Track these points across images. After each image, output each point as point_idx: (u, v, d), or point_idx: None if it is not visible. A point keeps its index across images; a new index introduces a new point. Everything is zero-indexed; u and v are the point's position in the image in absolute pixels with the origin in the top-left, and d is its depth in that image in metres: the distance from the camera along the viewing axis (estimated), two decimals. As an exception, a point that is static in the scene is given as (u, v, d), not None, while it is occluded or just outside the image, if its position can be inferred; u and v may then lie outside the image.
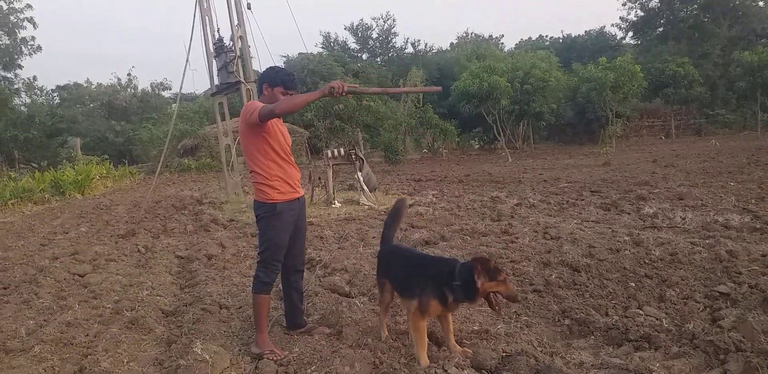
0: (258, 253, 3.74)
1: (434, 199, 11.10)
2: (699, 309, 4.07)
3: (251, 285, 3.76)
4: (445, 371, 3.07)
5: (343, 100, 21.39)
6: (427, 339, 3.33)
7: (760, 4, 38.45)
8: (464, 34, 51.65)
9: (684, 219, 7.29)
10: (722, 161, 15.52)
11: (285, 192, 3.59)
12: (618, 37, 47.31)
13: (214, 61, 12.47)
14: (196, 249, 7.15)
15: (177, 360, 3.50)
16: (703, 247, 5.52)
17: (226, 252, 6.88)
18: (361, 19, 46.46)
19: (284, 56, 41.00)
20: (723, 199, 8.71)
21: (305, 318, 4.04)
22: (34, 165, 27.97)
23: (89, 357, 3.62)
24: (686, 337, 3.57)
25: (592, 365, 3.30)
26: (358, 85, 3.37)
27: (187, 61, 12.08)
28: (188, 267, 6.31)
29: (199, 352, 3.46)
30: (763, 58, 28.94)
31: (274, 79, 3.61)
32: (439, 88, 4.21)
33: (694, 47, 36.44)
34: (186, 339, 3.87)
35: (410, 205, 10.20)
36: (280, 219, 3.56)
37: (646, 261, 5.13)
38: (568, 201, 9.56)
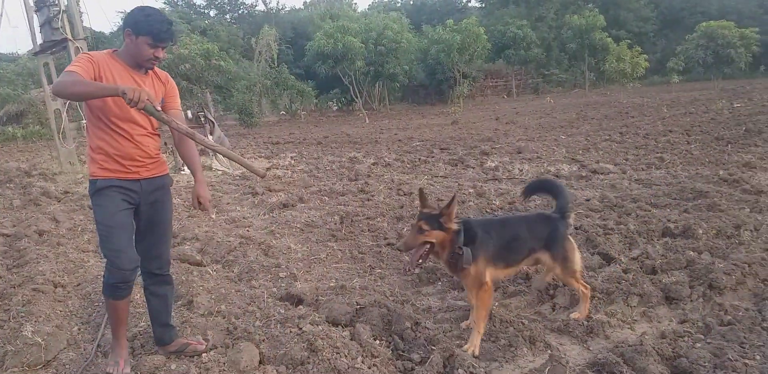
0: (99, 246, 3.00)
1: (293, 162, 10.98)
2: (533, 251, 4.47)
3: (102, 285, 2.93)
4: (300, 329, 3.09)
5: (191, 59, 20.12)
6: None
7: (587, -29, 41.96)
8: (318, -7, 50.54)
9: (521, 171, 7.93)
10: (556, 117, 17.01)
11: (111, 170, 2.72)
12: (464, 0, 49.24)
13: (35, 15, 10.98)
14: (25, 225, 6.41)
15: (4, 347, 3.15)
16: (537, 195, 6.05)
17: (61, 226, 6.26)
18: (207, -27, 43.53)
19: (120, 12, 37.45)
20: (555, 151, 9.59)
21: (173, 332, 3.08)
22: None
23: None
24: (521, 277, 3.92)
25: (439, 308, 3.52)
26: (160, 110, 2.54)
27: (2, 14, 10.54)
28: (15, 246, 5.64)
29: (30, 335, 3.16)
30: (590, 22, 31.79)
31: (141, 25, 2.64)
32: (264, 173, 3.03)
33: (532, 11, 39.04)
34: (14, 323, 3.48)
35: (268, 168, 9.99)
36: (106, 195, 2.71)
37: (488, 210, 5.52)
38: (420, 159, 9.95)
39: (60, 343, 3.16)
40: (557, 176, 7.33)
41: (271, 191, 7.66)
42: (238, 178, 9.17)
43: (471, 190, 6.45)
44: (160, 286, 3.01)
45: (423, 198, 3.12)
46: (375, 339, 3.06)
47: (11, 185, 9.89)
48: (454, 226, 2.94)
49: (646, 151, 9.02)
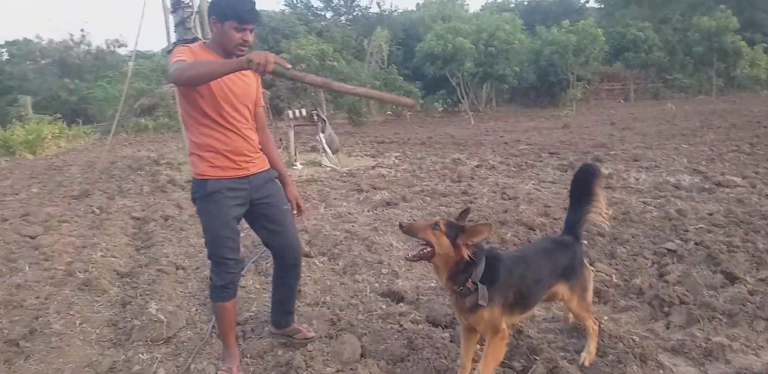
0: (205, 246, 2.86)
1: (397, 161, 11.11)
2: (647, 265, 4.23)
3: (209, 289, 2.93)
4: (401, 326, 3.13)
5: (306, 59, 20.92)
6: None
7: (721, -31, 38.80)
8: (430, -5, 50.69)
9: (637, 179, 7.50)
10: (677, 124, 15.91)
11: (221, 167, 2.64)
12: (582, 1, 47.30)
13: (171, 16, 11.93)
14: (153, 210, 7.01)
15: (131, 321, 3.47)
16: (654, 207, 5.71)
17: (184, 213, 6.77)
18: (325, -24, 45.02)
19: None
20: (675, 161, 8.97)
21: (291, 319, 3.13)
22: (-19, 124, 26.77)
23: (40, 319, 3.54)
24: (634, 291, 3.72)
25: (544, 318, 3.42)
26: (290, 66, 2.30)
27: (142, 16, 11.55)
28: (144, 229, 6.19)
29: (154, 312, 3.44)
30: (721, 24, 29.41)
31: (223, 9, 2.56)
32: (412, 102, 2.90)
33: (655, 12, 36.72)
34: (141, 300, 3.83)
35: (373, 167, 10.19)
36: (214, 201, 2.63)
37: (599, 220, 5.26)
38: (526, 163, 9.70)
39: (180, 322, 3.42)
40: (677, 187, 6.86)
41: (375, 189, 7.80)
42: (345, 174, 9.42)
43: (581, 198, 6.21)
44: (289, 277, 3.02)
45: (464, 215, 2.63)
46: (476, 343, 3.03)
47: (142, 172, 10.83)
48: (465, 254, 2.40)
49: (780, 164, 8.22)
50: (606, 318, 3.31)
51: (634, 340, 2.94)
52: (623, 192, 6.80)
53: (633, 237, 4.78)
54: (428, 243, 2.41)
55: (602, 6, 42.19)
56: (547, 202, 6.07)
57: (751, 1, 37.27)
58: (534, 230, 5.10)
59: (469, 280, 2.43)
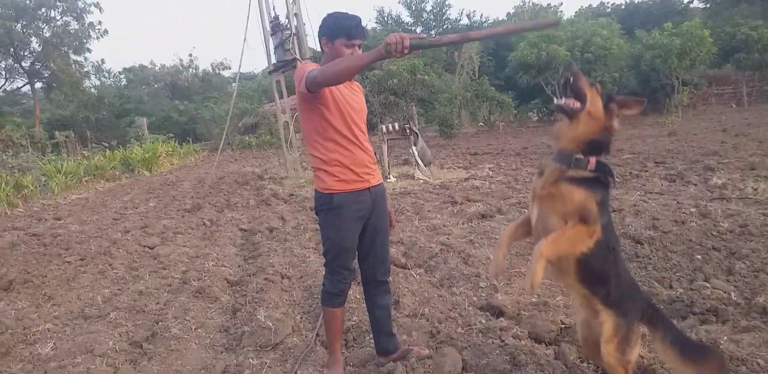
0: (322, 255, 2.98)
1: (490, 173, 10.97)
2: (771, 282, 3.90)
3: (320, 293, 3.03)
4: (502, 341, 3.09)
5: (397, 74, 21.23)
6: None
7: None
8: (521, 3, 49.88)
9: (755, 189, 6.93)
10: (800, 129, 14.56)
11: (347, 181, 2.74)
12: (685, 1, 44.62)
13: (270, 39, 12.60)
14: (259, 222, 7.39)
15: (242, 327, 3.67)
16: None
17: (287, 225, 7.08)
18: (415, -8, 45.73)
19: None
20: (800, 169, 8.21)
21: (396, 341, 3.12)
22: (105, 144, 29.35)
23: (160, 323, 3.83)
24: (756, 311, 3.44)
25: (653, 337, 3.23)
26: (425, 36, 2.26)
27: (244, 39, 12.28)
28: (251, 240, 6.53)
29: (263, 319, 3.62)
30: None
31: (332, 28, 2.68)
32: (556, 21, 2.74)
33: (770, 8, 33.92)
34: (250, 307, 4.04)
35: (466, 179, 10.13)
36: (340, 214, 2.75)
37: (714, 234, 4.93)
38: (631, 173, 9.24)
39: (286, 329, 3.57)
40: (802, 198, 6.28)
41: (469, 201, 7.75)
42: (438, 186, 9.44)
43: (693, 210, 5.82)
44: (382, 296, 3.05)
45: None
46: (582, 362, 2.93)
47: (248, 187, 11.44)
48: (613, 123, 2.42)
49: None
50: (725, 338, 3.09)
51: (758, 364, 2.73)
52: (740, 203, 6.31)
53: (753, 252, 4.42)
54: (581, 97, 2.26)
55: (708, 5, 39.58)
56: (654, 215, 5.75)
57: None
58: (642, 244, 4.85)
59: (592, 157, 2.30)
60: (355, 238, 2.84)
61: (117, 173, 16.81)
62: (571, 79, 2.26)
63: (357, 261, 2.98)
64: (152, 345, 3.51)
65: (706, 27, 26.95)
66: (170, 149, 22.32)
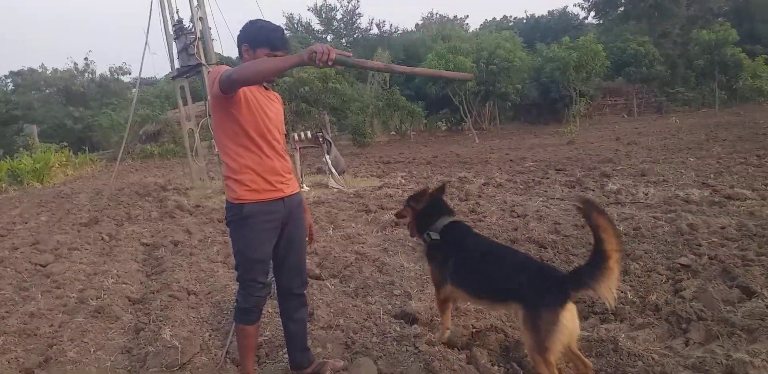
0: (234, 269, 2.89)
1: (403, 181, 11.12)
2: (662, 281, 4.18)
3: (233, 310, 2.92)
4: (417, 348, 3.10)
5: (309, 82, 21.12)
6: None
7: (717, -17, 39.27)
8: (429, 15, 51.60)
9: (646, 194, 7.47)
10: (682, 138, 15.91)
11: (258, 191, 2.64)
12: (581, 17, 47.78)
13: (173, 43, 12.10)
14: (162, 236, 7.03)
15: (145, 348, 3.46)
16: (665, 221, 5.67)
17: (193, 238, 6.78)
18: (325, 0, 45.85)
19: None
20: (683, 175, 8.95)
21: (311, 355, 3.07)
22: (-11, 154, 27.05)
23: (54, 347, 3.54)
24: (650, 308, 3.68)
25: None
26: (351, 54, 2.28)
27: (146, 43, 11.67)
28: (154, 255, 6.20)
29: (168, 338, 3.43)
30: (720, 37, 29.55)
31: (256, 37, 2.63)
32: (471, 76, 3.27)
33: (655, 26, 36.99)
34: (154, 326, 3.81)
35: (379, 187, 10.20)
36: (251, 225, 2.64)
37: (611, 236, 5.23)
38: (533, 180, 9.69)
39: (194, 347, 3.39)
40: (687, 201, 6.83)
41: (383, 209, 7.80)
42: (352, 195, 9.43)
43: (591, 214, 6.18)
44: (298, 310, 2.97)
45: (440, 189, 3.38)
46: (492, 365, 2.99)
47: (150, 198, 10.88)
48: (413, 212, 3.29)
49: (790, 176, 8.18)
50: (623, 335, 3.27)
51: (653, 358, 2.90)
52: (633, 207, 6.77)
53: (646, 253, 4.74)
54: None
55: (601, 22, 42.54)
56: (557, 219, 6.05)
57: (750, 14, 37.59)
58: (545, 248, 5.07)
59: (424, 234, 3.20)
60: (267, 250, 2.74)
61: (3, 185, 15.50)
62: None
63: (273, 273, 2.88)
64: (46, 372, 3.24)
65: (600, 42, 28.93)
66: (64, 159, 20.84)
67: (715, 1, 38.17)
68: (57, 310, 4.35)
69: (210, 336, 3.69)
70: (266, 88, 2.77)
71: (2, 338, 3.74)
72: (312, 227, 3.04)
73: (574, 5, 50.07)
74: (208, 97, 2.71)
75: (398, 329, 3.49)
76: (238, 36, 2.71)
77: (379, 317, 3.74)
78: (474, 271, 2.92)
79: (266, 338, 3.52)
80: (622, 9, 40.10)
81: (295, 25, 46.15)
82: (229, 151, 2.66)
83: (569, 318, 2.50)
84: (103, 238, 7.20)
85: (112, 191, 12.14)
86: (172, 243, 6.56)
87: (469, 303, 3.48)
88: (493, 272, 2.84)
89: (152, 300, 4.44)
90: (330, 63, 2.19)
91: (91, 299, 4.46)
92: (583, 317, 3.69)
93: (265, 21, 2.72)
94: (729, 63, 29.88)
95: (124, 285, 4.93)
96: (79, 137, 32.33)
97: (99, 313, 4.13)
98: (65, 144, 25.09)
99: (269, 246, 2.74)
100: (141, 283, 5.18)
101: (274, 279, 2.91)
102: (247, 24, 2.71)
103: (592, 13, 42.58)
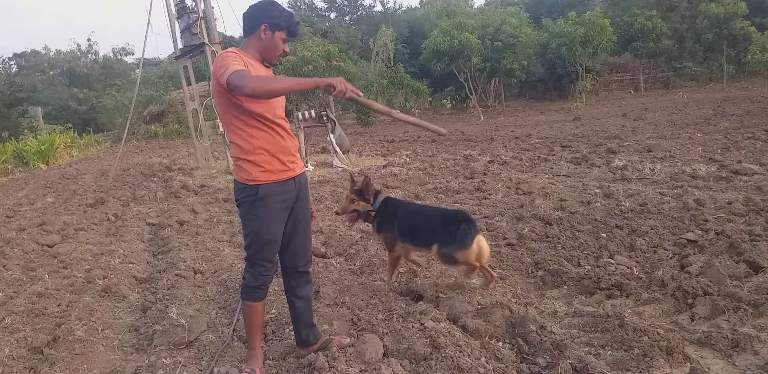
0: (244, 248, 2.87)
1: (408, 159, 11.08)
2: (668, 256, 4.17)
3: (240, 287, 2.92)
4: (422, 324, 3.10)
5: (312, 60, 20.91)
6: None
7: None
8: (434, -9, 50.62)
9: (653, 170, 7.41)
10: (689, 113, 15.74)
11: (273, 171, 2.65)
12: (587, -9, 46.85)
13: (176, 23, 11.97)
14: (168, 215, 7.04)
15: (153, 326, 3.48)
16: (671, 197, 5.64)
17: (198, 217, 6.79)
18: (328, -23, 45.15)
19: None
20: (690, 150, 8.87)
21: (317, 331, 3.08)
22: (-5, 136, 27.09)
23: (62, 326, 3.56)
24: (656, 284, 3.67)
25: (566, 313, 3.38)
26: (362, 94, 2.53)
27: (148, 23, 11.52)
28: (160, 234, 6.22)
29: (175, 317, 3.45)
30: (729, 10, 29.03)
31: (277, 19, 2.62)
32: (445, 131, 3.48)
33: (662, 0, 36.31)
34: (161, 304, 3.83)
35: (384, 166, 10.17)
36: (266, 206, 2.64)
37: (617, 213, 5.21)
38: (539, 157, 9.63)
39: (201, 326, 3.42)
40: (693, 177, 6.77)
41: (388, 188, 7.78)
42: (356, 174, 9.40)
43: (597, 191, 6.13)
44: (303, 287, 2.98)
45: (352, 181, 4.10)
46: (498, 341, 3.00)
47: (155, 179, 10.90)
48: (371, 200, 3.94)
49: (798, 150, 8.09)
50: (629, 311, 3.27)
51: (659, 333, 2.90)
52: (639, 183, 6.72)
53: (652, 229, 4.72)
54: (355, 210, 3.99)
55: (608, -4, 41.79)
56: (562, 196, 6.01)
57: (760, -14, 36.80)
58: (551, 224, 5.05)
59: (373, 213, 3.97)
60: (280, 230, 2.75)
61: (9, 167, 15.55)
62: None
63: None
64: (54, 350, 3.25)
65: (607, 16, 28.42)
66: (69, 140, 20.85)
67: (725, -27, 37.33)
68: (64, 290, 4.38)
69: (216, 314, 3.71)
70: (267, 67, 2.74)
71: (11, 317, 3.77)
72: (312, 205, 3.02)
73: (581, -21, 49.01)
74: (213, 85, 2.63)
75: (404, 306, 3.50)
76: (254, 13, 2.67)
77: (385, 294, 3.75)
78: (411, 227, 3.84)
79: (272, 316, 3.54)
80: (629, -18, 39.35)
81: (299, 3, 45.58)
82: (240, 133, 2.63)
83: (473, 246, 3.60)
84: (109, 219, 7.22)
85: (117, 172, 12.16)
86: (177, 222, 6.57)
87: (415, 253, 4.15)
88: (420, 225, 3.84)
89: (159, 280, 4.47)
90: (343, 98, 2.44)
91: (98, 279, 4.49)
92: (588, 293, 3.70)
93: (279, 4, 2.72)
94: (738, 36, 29.43)
95: (130, 265, 4.96)
96: (84, 118, 32.35)
97: (106, 293, 4.16)
98: (70, 125, 25.15)
99: (282, 226, 2.76)
100: (147, 263, 5.21)
101: (278, 256, 2.91)
102: (264, 3, 2.68)
103: (599, -13, 41.83)
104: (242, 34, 2.78)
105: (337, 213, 4.15)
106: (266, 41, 2.65)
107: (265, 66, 2.72)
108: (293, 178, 2.75)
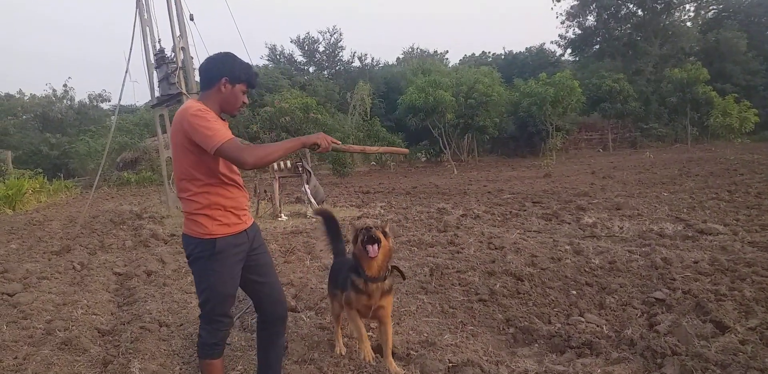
0: (199, 305, 2.82)
1: (382, 211, 11.12)
2: (637, 315, 4.21)
3: (197, 346, 2.87)
4: (392, 383, 3.05)
5: (290, 112, 21.26)
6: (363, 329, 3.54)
7: (688, 24, 40.99)
8: (410, 49, 52.59)
9: (621, 228, 7.57)
10: (656, 172, 16.26)
11: (229, 224, 2.66)
12: (557, 54, 49.30)
13: (155, 72, 12.14)
14: (135, 265, 6.88)
15: (113, 382, 3.34)
16: (639, 255, 5.74)
17: (167, 268, 6.65)
18: (308, 33, 46.60)
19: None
20: (657, 209, 9.11)
21: None
22: (-40, 179, 26.44)
23: (17, 381, 3.40)
24: (625, 343, 3.69)
25: (537, 373, 3.35)
26: (339, 143, 2.83)
27: (126, 71, 11.67)
28: (126, 285, 6.06)
29: (137, 372, 3.34)
30: (692, 75, 30.70)
31: (237, 72, 2.67)
32: (406, 151, 4.37)
33: (629, 64, 38.34)
34: (123, 358, 3.70)
35: (359, 217, 10.18)
36: (222, 259, 2.63)
37: (587, 270, 5.28)
38: (511, 212, 9.77)
39: (164, 381, 3.30)
40: (660, 235, 6.94)
41: (362, 240, 7.76)
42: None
43: (567, 247, 6.22)
44: (281, 333, 2.97)
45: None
46: (469, 400, 2.95)
47: (124, 227, 10.69)
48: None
49: (759, 212, 8.37)
50: (599, 371, 3.26)
51: (629, 394, 2.89)
52: (608, 241, 6.85)
53: (621, 287, 4.79)
54: (379, 242, 3.28)
55: (577, 59, 43.95)
56: (533, 252, 6.08)
57: (720, 54, 39.12)
58: (522, 280, 5.07)
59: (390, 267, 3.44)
60: (237, 283, 2.76)
61: (-27, 211, 15.11)
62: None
63: (252, 303, 2.91)
64: (5, 408, 3.10)
65: (576, 78, 29.77)
66: (38, 185, 20.41)
67: (686, 41, 39.71)
68: (22, 342, 4.20)
69: (181, 369, 3.59)
70: (224, 120, 2.76)
71: (-38, 371, 3.59)
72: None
73: (551, 43, 51.51)
74: (177, 139, 2.63)
75: (374, 363, 3.44)
76: (212, 67, 2.70)
77: (355, 351, 3.68)
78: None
79: (238, 372, 3.44)
80: (597, 47, 41.65)
81: (278, 57, 46.72)
82: (195, 189, 2.64)
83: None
84: (74, 267, 7.02)
85: (86, 219, 11.91)
86: (145, 272, 6.42)
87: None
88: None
89: (122, 332, 4.32)
90: (325, 151, 2.81)
91: (59, 330, 4.32)
92: (559, 351, 3.69)
93: (239, 58, 2.76)
94: (700, 100, 30.99)
95: (94, 316, 4.79)
96: (55, 164, 31.83)
97: (66, 345, 4.00)
98: (40, 170, 24.69)
99: (238, 279, 2.77)
100: (112, 314, 5.04)
101: (253, 308, 2.88)
102: (222, 56, 2.72)
103: (569, 51, 44.14)
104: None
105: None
106: (227, 94, 2.69)
107: (221, 118, 2.73)
108: (245, 230, 2.76)
